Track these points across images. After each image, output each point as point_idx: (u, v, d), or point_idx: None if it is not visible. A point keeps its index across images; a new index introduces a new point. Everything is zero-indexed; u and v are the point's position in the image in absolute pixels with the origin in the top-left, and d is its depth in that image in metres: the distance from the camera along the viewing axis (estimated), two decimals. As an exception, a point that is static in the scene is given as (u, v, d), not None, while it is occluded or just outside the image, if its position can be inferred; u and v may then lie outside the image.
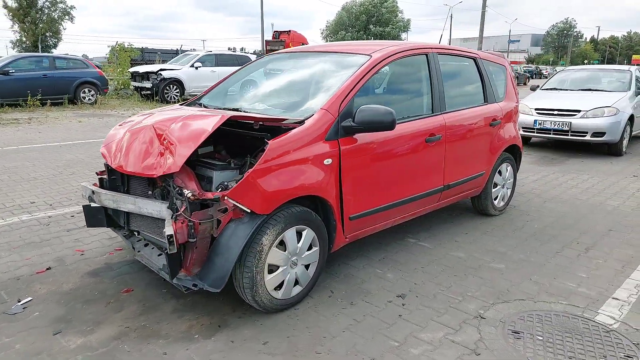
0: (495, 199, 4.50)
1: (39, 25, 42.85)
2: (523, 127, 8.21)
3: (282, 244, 2.63)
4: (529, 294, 3.01)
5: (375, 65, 3.18)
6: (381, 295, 2.97)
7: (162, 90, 15.42)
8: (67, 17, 44.74)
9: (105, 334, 2.50)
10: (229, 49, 37.67)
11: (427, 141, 3.43)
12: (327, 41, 55.12)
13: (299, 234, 2.71)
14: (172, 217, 2.46)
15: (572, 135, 7.70)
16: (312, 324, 2.62)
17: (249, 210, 2.43)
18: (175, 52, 28.74)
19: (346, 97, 2.92)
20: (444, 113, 3.65)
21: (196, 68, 16.11)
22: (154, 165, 2.60)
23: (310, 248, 2.81)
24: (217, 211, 2.50)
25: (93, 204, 3.06)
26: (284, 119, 2.77)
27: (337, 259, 3.48)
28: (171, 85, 15.62)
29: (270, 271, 2.61)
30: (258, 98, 3.46)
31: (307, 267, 2.83)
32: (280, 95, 3.46)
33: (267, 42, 34.00)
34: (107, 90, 15.45)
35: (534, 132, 8.10)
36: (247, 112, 3.12)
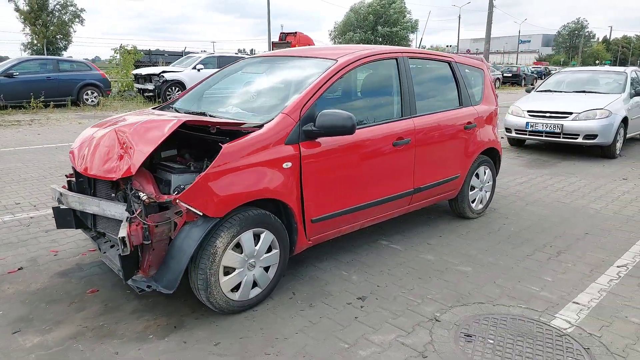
0: (472, 201, 4.50)
1: (49, 28, 43.42)
2: (515, 130, 8.19)
3: (238, 247, 2.67)
4: (490, 297, 3.02)
5: (340, 70, 3.21)
6: (342, 297, 2.99)
7: (164, 92, 15.56)
8: (77, 19, 45.30)
9: (62, 333, 2.56)
10: (239, 50, 37.82)
11: (394, 145, 3.45)
12: (335, 42, 55.17)
13: (257, 237, 2.75)
14: (127, 220, 2.51)
15: (564, 138, 7.66)
16: (267, 326, 2.66)
17: (200, 214, 2.48)
18: (181, 55, 28.96)
19: (308, 101, 2.96)
20: (414, 117, 3.67)
21: (198, 70, 16.24)
22: (114, 168, 2.66)
23: (270, 250, 2.85)
24: (173, 214, 2.55)
25: (62, 206, 3.13)
26: (242, 123, 2.81)
27: (304, 260, 3.51)
28: (173, 87, 15.76)
29: (227, 273, 2.65)
30: (228, 102, 3.51)
31: (266, 269, 2.86)
32: (248, 99, 3.50)
33: (274, 43, 34.09)
34: (110, 92, 15.63)
35: (526, 134, 8.06)
36: (212, 116, 3.17)
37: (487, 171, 4.57)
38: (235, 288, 2.71)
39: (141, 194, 2.53)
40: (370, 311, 2.82)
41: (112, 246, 3.00)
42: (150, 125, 2.69)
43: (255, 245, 2.74)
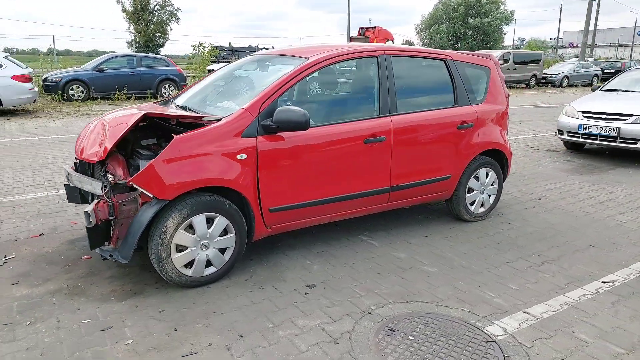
0: (471, 204, 4.41)
1: (150, 27, 47.22)
2: (568, 132, 7.67)
3: (192, 228, 2.96)
4: (438, 298, 3.03)
5: (307, 69, 3.37)
6: (293, 283, 3.18)
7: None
8: (173, 18, 48.82)
9: (46, 288, 3.03)
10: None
11: (366, 142, 3.54)
12: (420, 37, 53.96)
13: (211, 220, 3.02)
14: (96, 198, 2.91)
15: (621, 143, 7.05)
16: (212, 301, 2.92)
17: (151, 195, 2.80)
18: (245, 51, 30.26)
19: (268, 98, 3.17)
20: (392, 115, 3.71)
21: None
22: (95, 153, 3.08)
23: (226, 234, 3.11)
24: (138, 195, 2.90)
25: (70, 184, 3.64)
26: (201, 117, 3.09)
27: (276, 248, 3.73)
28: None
29: (180, 250, 2.96)
30: (213, 98, 3.81)
31: (222, 251, 3.13)
32: (226, 95, 3.77)
33: (352, 38, 34.21)
34: (186, 86, 16.83)
35: (579, 137, 7.52)
36: (193, 110, 3.49)
37: (489, 173, 4.44)
38: (189, 265, 3.01)
39: (109, 176, 2.91)
40: (311, 298, 2.98)
41: None
42: (121, 118, 3.07)
43: (209, 228, 3.01)
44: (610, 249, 3.88)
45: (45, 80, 14.29)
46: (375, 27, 34.73)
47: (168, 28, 49.25)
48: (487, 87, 4.40)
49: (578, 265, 3.57)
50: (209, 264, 3.10)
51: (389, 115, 3.70)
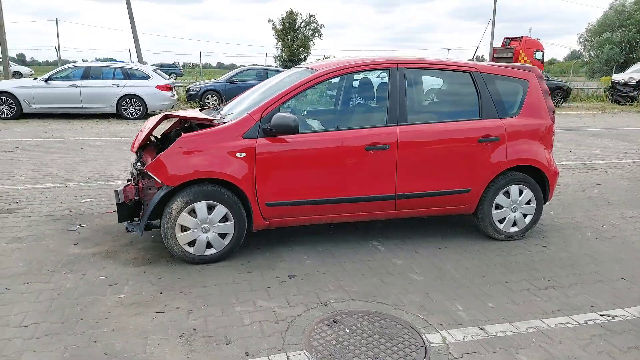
0: (500, 221, 4.23)
1: (295, 43, 50.83)
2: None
3: (195, 212, 3.50)
4: (401, 302, 3.10)
5: (312, 80, 3.70)
6: (278, 272, 3.52)
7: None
8: (317, 34, 51.84)
9: (91, 250, 3.84)
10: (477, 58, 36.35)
11: (367, 149, 3.72)
12: (584, 47, 48.93)
13: (212, 208, 3.53)
14: (127, 181, 3.62)
15: None
16: (202, 276, 3.41)
17: (159, 181, 3.41)
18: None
19: (270, 105, 3.58)
20: (401, 125, 3.82)
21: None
22: (132, 146, 3.83)
23: (226, 221, 3.59)
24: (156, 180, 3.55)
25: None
26: (212, 119, 3.62)
27: (286, 242, 4.08)
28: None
29: (184, 230, 3.52)
30: (242, 104, 4.31)
31: (222, 236, 3.61)
32: (253, 102, 4.24)
33: (495, 49, 32.53)
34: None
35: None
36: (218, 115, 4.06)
37: (524, 191, 4.21)
38: (192, 244, 3.55)
39: (139, 164, 3.61)
40: (284, 286, 3.29)
41: None
42: (154, 118, 3.76)
43: (210, 214, 3.52)
44: (644, 285, 3.44)
45: (187, 90, 16.59)
46: (522, 37, 32.48)
47: (311, 43, 52.43)
48: (522, 100, 4.20)
49: (586, 295, 3.27)
50: (209, 245, 3.60)
51: (397, 125, 3.82)
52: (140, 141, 3.68)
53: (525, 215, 4.30)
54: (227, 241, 3.63)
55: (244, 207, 3.62)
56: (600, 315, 3.00)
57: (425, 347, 2.59)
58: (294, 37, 51.35)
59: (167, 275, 3.43)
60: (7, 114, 11.92)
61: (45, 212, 4.74)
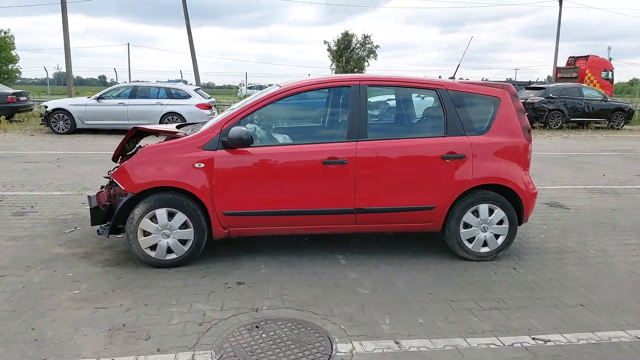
0: (470, 241, 4.15)
1: (349, 63, 51.49)
2: None
3: (155, 218, 3.76)
4: (331, 313, 3.14)
5: (272, 97, 3.88)
6: (231, 278, 3.67)
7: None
8: (372, 55, 52.27)
9: (73, 251, 4.18)
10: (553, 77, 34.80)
11: (324, 163, 3.82)
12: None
13: (173, 215, 3.77)
14: (101, 188, 3.96)
15: None
16: (157, 278, 3.63)
17: (123, 188, 3.70)
18: None
19: (230, 119, 3.79)
20: (359, 140, 3.89)
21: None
22: (114, 156, 4.18)
23: (186, 227, 3.81)
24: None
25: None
26: (176, 132, 3.89)
27: (253, 252, 4.23)
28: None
29: (146, 235, 3.77)
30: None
31: (183, 242, 3.83)
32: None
33: (558, 69, 31.22)
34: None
35: None
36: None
37: (495, 211, 4.11)
38: (153, 248, 3.80)
39: (111, 172, 3.93)
40: (227, 292, 3.44)
41: None
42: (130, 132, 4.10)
43: (170, 221, 3.76)
44: (602, 312, 3.26)
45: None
46: (588, 56, 30.96)
47: (365, 64, 52.89)
48: (492, 118, 4.13)
49: (530, 318, 3.15)
50: (170, 250, 3.83)
51: (356, 141, 3.90)
52: (116, 152, 4.02)
53: (497, 236, 4.18)
54: (187, 247, 3.84)
55: (204, 215, 3.82)
56: (533, 339, 2.88)
57: (330, 355, 2.63)
58: (348, 58, 52.07)
59: (127, 276, 3.68)
60: (62, 129, 13.06)
61: (51, 216, 5.21)
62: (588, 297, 3.49)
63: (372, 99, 4.30)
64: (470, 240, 4.16)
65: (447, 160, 3.97)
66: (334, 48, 52.00)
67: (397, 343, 2.79)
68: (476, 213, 4.11)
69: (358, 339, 2.83)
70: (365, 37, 52.46)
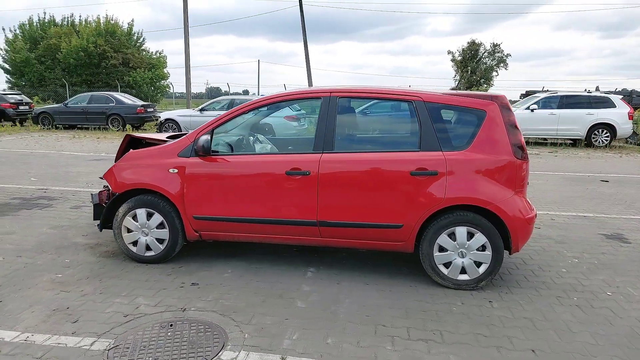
0: (446, 266, 3.82)
1: (475, 73, 49.09)
2: None
3: (136, 217, 4.16)
4: (249, 322, 3.17)
5: (243, 108, 4.03)
6: (192, 279, 3.89)
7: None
8: (502, 64, 49.16)
9: (90, 241, 4.80)
10: None
11: (288, 174, 3.86)
12: None
13: (151, 215, 4.13)
14: (103, 187, 4.51)
15: None
16: (130, 272, 4.00)
17: (110, 188, 4.17)
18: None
19: (204, 129, 4.04)
20: (325, 153, 3.84)
21: (532, 110, 15.72)
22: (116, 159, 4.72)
23: (164, 228, 4.15)
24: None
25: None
26: (164, 140, 4.25)
27: (228, 258, 4.41)
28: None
29: (129, 231, 4.20)
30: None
31: (160, 241, 4.17)
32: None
33: None
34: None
35: None
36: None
37: (475, 235, 3.73)
38: (135, 244, 4.20)
39: (108, 174, 4.47)
40: (177, 290, 3.66)
41: None
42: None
43: (148, 220, 4.13)
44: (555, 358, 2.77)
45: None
46: None
47: (494, 74, 49.94)
48: (475, 133, 3.75)
49: (454, 355, 2.81)
50: (149, 248, 4.19)
51: (321, 153, 3.86)
52: (116, 157, 4.54)
53: (479, 264, 3.77)
54: (163, 246, 4.17)
55: (178, 217, 4.12)
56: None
57: (214, 358, 2.69)
58: (474, 68, 49.69)
59: (109, 266, 4.13)
60: (171, 136, 14.77)
61: (98, 211, 6.00)
62: (549, 344, 2.98)
63: (357, 110, 4.19)
64: (447, 265, 3.82)
65: (417, 177, 3.72)
66: (459, 58, 50.07)
67: (282, 359, 2.73)
68: (453, 236, 3.76)
69: (250, 349, 2.83)
70: (495, 45, 49.59)
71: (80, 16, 40.51)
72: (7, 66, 37.47)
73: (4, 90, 22.15)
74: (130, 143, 4.56)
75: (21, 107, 19.01)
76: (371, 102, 4.15)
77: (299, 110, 16.66)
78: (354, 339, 2.99)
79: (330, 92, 3.97)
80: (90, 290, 3.63)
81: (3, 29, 43.47)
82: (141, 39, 39.94)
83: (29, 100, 20.71)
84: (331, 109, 3.91)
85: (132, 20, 62.07)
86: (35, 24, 38.18)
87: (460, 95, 3.87)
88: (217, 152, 4.08)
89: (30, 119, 18.34)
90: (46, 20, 38.63)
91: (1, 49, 37.57)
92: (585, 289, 3.88)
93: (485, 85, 50.74)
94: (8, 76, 37.99)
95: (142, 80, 36.59)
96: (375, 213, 3.80)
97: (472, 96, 3.85)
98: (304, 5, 27.97)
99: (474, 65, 49.64)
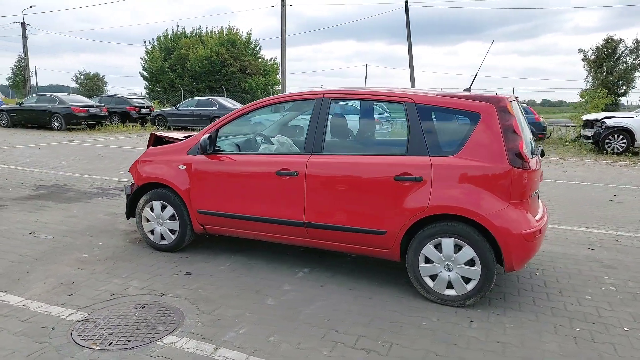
0: (432, 278, 3.59)
1: (612, 74, 43.86)
2: None
3: (153, 208, 4.57)
4: (209, 312, 3.32)
5: (241, 110, 4.21)
6: (189, 268, 4.17)
7: (603, 140, 14.36)
8: (648, 63, 43.23)
9: (130, 228, 5.38)
10: None
11: (277, 174, 3.95)
12: None
13: (165, 207, 4.52)
14: (134, 181, 5.03)
15: None
16: (141, 257, 4.40)
17: (133, 181, 4.64)
18: None
19: (210, 129, 4.30)
20: (313, 154, 3.85)
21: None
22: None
23: (174, 220, 4.50)
24: None
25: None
26: (180, 139, 4.60)
27: (235, 252, 4.62)
28: (616, 135, 14.21)
29: (148, 221, 4.63)
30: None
31: (172, 231, 4.54)
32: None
33: None
34: (543, 136, 15.94)
35: None
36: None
37: (463, 248, 3.46)
38: (152, 233, 4.62)
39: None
40: (169, 277, 3.95)
41: None
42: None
43: (162, 212, 4.52)
44: None
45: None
46: None
47: (636, 75, 44.14)
48: (467, 137, 3.46)
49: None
50: (163, 237, 4.58)
51: (310, 154, 3.88)
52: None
53: (467, 280, 3.49)
54: (174, 236, 4.53)
55: (186, 211, 4.44)
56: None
57: (150, 342, 2.90)
58: (610, 69, 44.39)
59: (129, 251, 4.59)
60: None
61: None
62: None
63: (350, 112, 4.14)
64: (433, 278, 3.59)
65: (401, 182, 3.56)
66: (592, 57, 45.04)
67: (215, 349, 2.84)
68: (439, 247, 3.53)
69: (192, 336, 2.98)
70: (639, 42, 43.63)
71: (206, 28, 44.39)
72: (145, 74, 42.71)
73: (130, 94, 25.25)
74: (156, 140, 5.01)
75: (143, 110, 21.58)
76: (365, 104, 4.05)
77: (383, 113, 16.48)
78: (297, 340, 2.98)
79: (324, 94, 3.97)
80: (100, 269, 4.09)
81: (144, 42, 49.21)
82: (257, 47, 42.70)
83: (150, 104, 23.43)
84: (323, 110, 3.91)
85: (250, 30, 66.31)
86: (169, 36, 42.90)
87: (455, 97, 3.60)
88: (222, 151, 4.31)
89: (149, 121, 20.75)
90: (178, 32, 43.17)
91: (142, 59, 43.00)
92: (599, 321, 3.35)
93: (624, 88, 45.13)
94: (146, 83, 43.31)
95: (257, 86, 39.08)
96: (360, 217, 3.71)
97: (468, 97, 3.57)
98: (411, 7, 27.61)
99: (611, 64, 44.27)
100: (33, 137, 15.89)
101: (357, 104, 4.25)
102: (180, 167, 4.39)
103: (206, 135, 4.17)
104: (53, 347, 2.83)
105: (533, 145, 3.87)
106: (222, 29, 41.90)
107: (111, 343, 2.89)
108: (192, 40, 41.47)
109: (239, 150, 4.41)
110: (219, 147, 4.32)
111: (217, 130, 4.29)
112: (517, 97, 3.91)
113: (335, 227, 3.81)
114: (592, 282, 4.09)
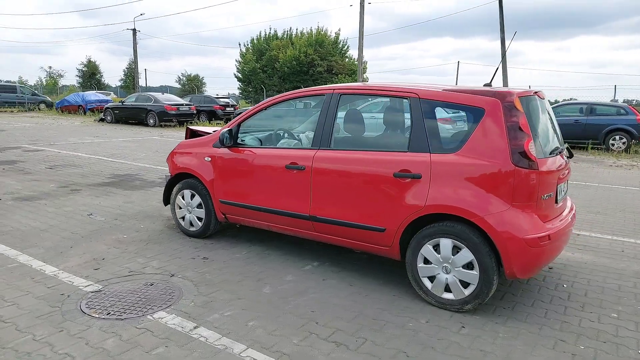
0: (431, 279, 3.48)
1: None
2: None
3: (183, 196, 4.91)
4: (205, 294, 3.52)
5: (260, 106, 4.36)
6: (207, 254, 4.43)
7: None
8: None
9: (169, 215, 5.82)
10: None
11: (287, 167, 4.06)
12: None
13: (194, 195, 4.83)
14: (175, 170, 5.43)
15: None
16: (169, 242, 4.74)
17: (168, 171, 5.02)
18: None
19: (232, 124, 4.53)
20: (320, 149, 3.90)
21: None
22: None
23: (201, 208, 4.80)
24: None
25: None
26: (210, 132, 4.88)
27: (254, 242, 4.80)
28: None
29: (180, 208, 4.98)
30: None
31: (200, 219, 4.84)
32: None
33: None
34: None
35: None
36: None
37: (461, 250, 3.30)
38: (183, 219, 4.96)
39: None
40: (186, 261, 4.23)
41: None
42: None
43: (191, 200, 4.84)
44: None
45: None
46: None
47: None
48: (469, 134, 3.29)
49: (334, 359, 2.66)
50: (191, 224, 4.90)
51: (317, 149, 3.93)
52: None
53: (466, 285, 3.33)
54: (201, 224, 4.82)
55: (211, 200, 4.71)
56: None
57: (143, 315, 3.16)
58: None
59: (164, 235, 4.97)
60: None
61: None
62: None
63: (358, 108, 4.09)
64: (432, 280, 3.47)
65: (400, 179, 3.48)
66: None
67: (195, 327, 3.02)
68: (437, 248, 3.40)
69: (180, 314, 3.19)
70: None
71: (296, 29, 45.70)
72: (239, 75, 45.07)
73: (217, 94, 26.77)
74: (191, 134, 5.35)
75: (227, 109, 22.85)
76: (373, 100, 3.99)
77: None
78: (273, 327, 3.06)
79: (333, 90, 3.99)
80: (131, 249, 4.50)
81: (239, 44, 51.91)
82: (345, 47, 43.07)
83: (234, 103, 24.71)
84: (332, 106, 3.94)
85: (339, 30, 66.86)
86: (262, 38, 44.83)
87: (461, 92, 3.44)
88: (244, 144, 4.51)
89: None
90: (270, 34, 44.95)
91: (236, 61, 45.46)
92: (612, 340, 3.02)
93: None
94: (240, 84, 45.69)
95: (343, 85, 39.45)
96: (361, 213, 3.70)
97: (475, 92, 3.39)
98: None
99: None
100: (129, 132, 17.57)
101: (383, 101, 4.22)
102: (205, 159, 4.67)
103: (225, 129, 4.39)
104: (61, 311, 3.20)
105: (554, 144, 3.57)
106: (311, 30, 42.91)
107: (109, 313, 3.19)
108: (282, 41, 42.95)
109: (260, 144, 4.58)
110: (242, 141, 4.53)
111: (239, 124, 4.50)
112: (537, 92, 3.62)
113: (338, 222, 3.82)
114: (628, 299, 3.67)
